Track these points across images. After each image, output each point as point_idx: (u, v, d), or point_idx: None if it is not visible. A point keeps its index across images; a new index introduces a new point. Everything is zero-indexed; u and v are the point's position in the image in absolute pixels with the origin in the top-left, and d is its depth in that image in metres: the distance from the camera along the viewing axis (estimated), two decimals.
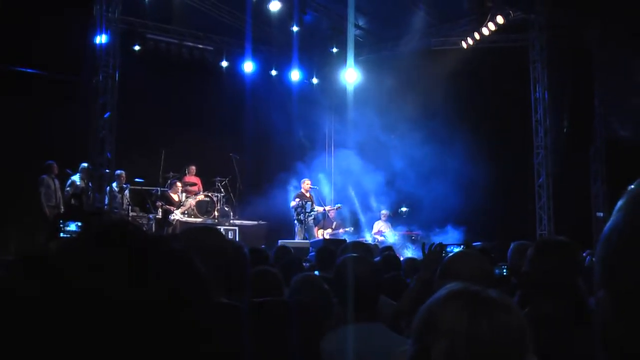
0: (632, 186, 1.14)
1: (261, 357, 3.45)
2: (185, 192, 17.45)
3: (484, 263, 3.30)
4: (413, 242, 17.89)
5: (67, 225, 5.93)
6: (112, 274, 1.14)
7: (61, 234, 6.00)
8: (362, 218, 20.26)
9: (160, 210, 16.67)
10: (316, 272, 5.49)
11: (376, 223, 18.88)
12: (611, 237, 1.09)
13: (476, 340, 1.64)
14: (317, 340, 3.77)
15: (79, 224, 5.80)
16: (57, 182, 14.92)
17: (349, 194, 20.54)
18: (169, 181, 17.43)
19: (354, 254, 4.23)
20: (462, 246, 6.38)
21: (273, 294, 4.40)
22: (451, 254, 3.53)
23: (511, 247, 5.64)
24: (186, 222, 16.80)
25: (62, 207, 14.88)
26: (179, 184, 17.35)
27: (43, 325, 1.13)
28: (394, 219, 19.06)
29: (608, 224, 1.12)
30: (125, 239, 1.21)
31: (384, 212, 18.96)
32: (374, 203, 20.08)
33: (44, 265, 1.57)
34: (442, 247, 4.57)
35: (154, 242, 1.24)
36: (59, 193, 14.96)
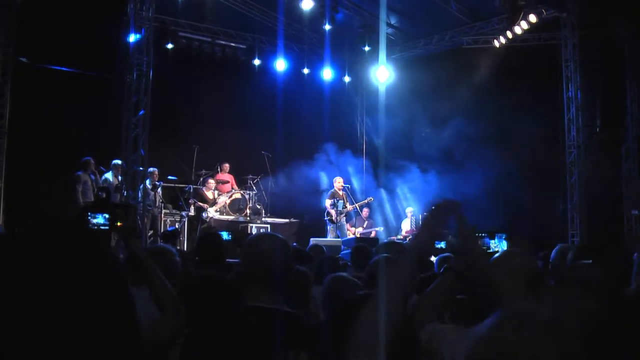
0: None
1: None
2: (217, 189, 17.54)
3: (530, 263, 3.26)
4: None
5: (95, 217, 6.04)
6: None
7: (89, 226, 6.10)
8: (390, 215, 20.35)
9: (192, 207, 16.74)
10: (343, 274, 5.48)
11: (404, 222, 18.81)
12: None
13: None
14: None
15: (107, 216, 5.93)
16: (93, 177, 14.88)
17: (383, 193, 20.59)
18: (201, 179, 17.51)
19: (385, 254, 4.31)
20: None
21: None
22: (499, 254, 3.44)
23: (556, 248, 5.70)
24: (219, 220, 16.87)
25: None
26: (211, 181, 17.39)
27: None
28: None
29: None
30: None
31: (409, 209, 18.90)
32: (404, 201, 20.10)
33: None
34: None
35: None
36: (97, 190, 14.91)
